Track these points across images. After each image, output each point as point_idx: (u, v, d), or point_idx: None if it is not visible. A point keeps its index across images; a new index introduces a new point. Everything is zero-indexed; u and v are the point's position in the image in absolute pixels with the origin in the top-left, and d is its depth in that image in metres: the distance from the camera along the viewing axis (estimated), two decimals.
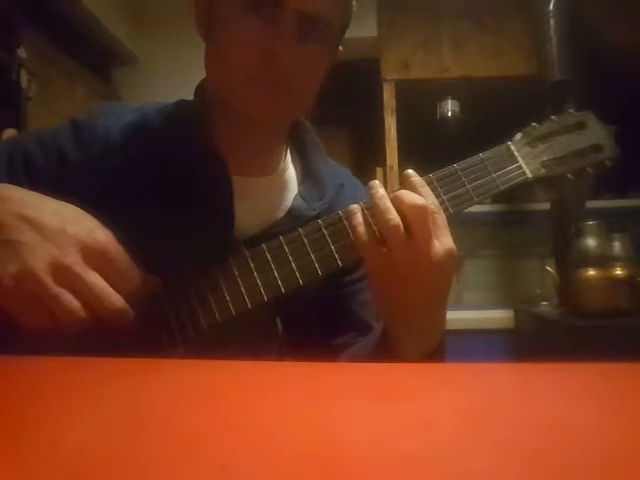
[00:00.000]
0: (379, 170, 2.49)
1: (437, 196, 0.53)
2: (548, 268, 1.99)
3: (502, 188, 0.57)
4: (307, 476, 0.19)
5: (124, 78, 2.67)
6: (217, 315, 0.53)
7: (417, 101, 2.57)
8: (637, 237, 1.75)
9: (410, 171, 0.53)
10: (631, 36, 2.31)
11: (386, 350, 0.56)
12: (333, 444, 0.22)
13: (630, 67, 2.15)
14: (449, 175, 0.56)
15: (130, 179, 0.58)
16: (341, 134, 3.28)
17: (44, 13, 2.00)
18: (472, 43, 2.51)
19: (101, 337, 0.46)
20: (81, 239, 0.45)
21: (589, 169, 0.60)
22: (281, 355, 0.65)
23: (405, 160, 2.43)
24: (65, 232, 0.45)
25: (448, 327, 0.56)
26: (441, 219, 0.50)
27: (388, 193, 0.52)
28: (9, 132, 1.72)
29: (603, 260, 1.66)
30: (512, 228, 2.60)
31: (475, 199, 0.56)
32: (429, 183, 0.53)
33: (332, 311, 0.66)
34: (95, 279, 0.46)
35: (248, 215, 0.60)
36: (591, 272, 1.65)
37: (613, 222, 1.80)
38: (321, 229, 0.54)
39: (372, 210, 0.52)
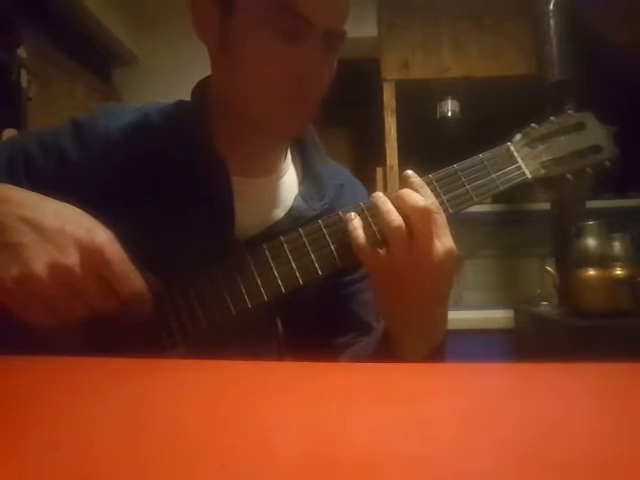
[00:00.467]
0: (379, 170, 2.49)
1: (437, 196, 0.53)
2: (548, 268, 1.99)
3: (502, 188, 0.57)
4: (307, 476, 0.19)
5: (124, 78, 2.67)
6: (217, 315, 0.53)
7: (417, 101, 2.57)
8: (637, 237, 1.75)
9: (409, 172, 0.53)
10: (631, 36, 2.31)
11: (387, 350, 0.56)
12: (333, 444, 0.22)
13: (630, 67, 2.15)
14: (449, 175, 0.56)
15: (130, 179, 0.58)
16: (341, 134, 3.28)
17: (44, 13, 2.00)
18: (472, 43, 2.51)
19: (102, 337, 0.46)
20: (81, 240, 0.45)
21: (588, 170, 0.61)
22: (281, 355, 0.65)
23: (405, 160, 2.44)
24: (65, 233, 0.45)
25: (448, 327, 0.56)
26: (441, 219, 0.50)
27: (388, 194, 0.53)
28: (9, 132, 1.72)
29: (603, 260, 1.66)
30: (512, 228, 2.60)
31: (475, 199, 0.56)
32: (429, 183, 0.53)
33: (332, 311, 0.66)
34: (94, 280, 0.46)
35: (248, 215, 0.60)
36: (591, 272, 1.65)
37: (613, 222, 1.80)
38: (321, 229, 0.54)
39: (372, 211, 0.52)
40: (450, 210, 0.55)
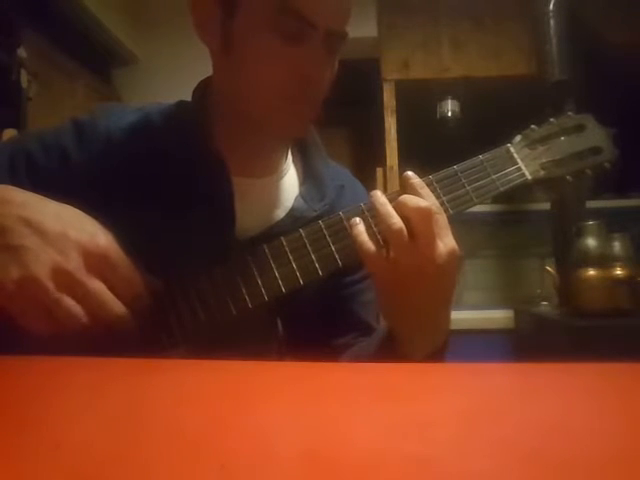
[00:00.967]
0: (379, 170, 2.49)
1: (437, 197, 0.53)
2: (548, 268, 1.99)
3: (502, 189, 0.57)
4: (307, 476, 0.19)
5: (124, 78, 2.67)
6: (217, 315, 0.53)
7: (417, 101, 2.57)
8: (637, 237, 1.75)
9: (410, 173, 0.53)
10: (631, 36, 2.31)
11: (390, 351, 0.56)
12: (333, 444, 0.22)
13: (630, 67, 2.15)
14: (449, 176, 0.56)
15: (131, 179, 0.58)
16: (341, 134, 3.28)
17: (44, 13, 2.00)
18: (472, 43, 2.51)
19: (102, 337, 0.46)
20: (83, 244, 0.45)
21: (588, 171, 0.61)
22: (281, 355, 0.65)
23: (405, 160, 2.43)
24: (67, 237, 0.45)
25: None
26: (442, 220, 0.50)
27: (387, 195, 0.53)
28: (9, 132, 1.72)
29: (603, 260, 1.66)
30: (512, 228, 2.60)
31: (475, 200, 0.56)
32: (429, 184, 0.53)
33: (333, 312, 0.66)
34: (96, 285, 0.46)
35: (248, 216, 0.60)
36: (591, 272, 1.65)
37: (613, 222, 1.80)
38: (322, 229, 0.54)
39: (373, 212, 0.52)
40: (450, 211, 0.55)
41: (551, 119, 0.62)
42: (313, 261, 0.53)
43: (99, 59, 2.53)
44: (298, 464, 0.20)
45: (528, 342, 2.08)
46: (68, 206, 0.49)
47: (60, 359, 0.40)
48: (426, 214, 0.49)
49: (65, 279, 0.44)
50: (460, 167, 0.57)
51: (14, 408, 0.28)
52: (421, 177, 0.54)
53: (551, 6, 2.20)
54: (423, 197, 0.51)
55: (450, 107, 2.59)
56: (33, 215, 0.46)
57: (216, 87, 0.63)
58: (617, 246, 1.68)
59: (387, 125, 2.49)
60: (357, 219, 0.53)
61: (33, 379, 0.35)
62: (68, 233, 0.45)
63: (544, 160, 0.60)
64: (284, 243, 0.54)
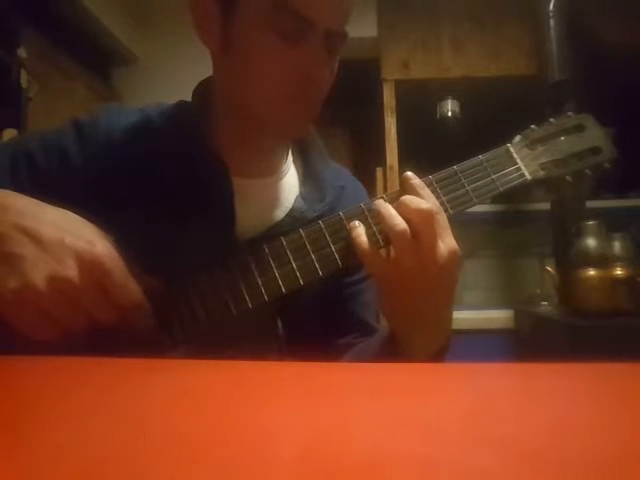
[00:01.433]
0: (379, 170, 2.49)
1: (437, 197, 0.53)
2: (548, 268, 1.99)
3: (501, 189, 0.57)
4: (307, 476, 0.19)
5: (124, 78, 2.67)
6: (218, 315, 0.53)
7: (417, 101, 2.57)
8: (637, 237, 1.75)
9: (409, 173, 0.53)
10: (631, 36, 2.31)
11: (392, 351, 0.56)
12: (333, 444, 0.22)
13: (630, 67, 2.15)
14: (449, 177, 0.56)
15: (131, 179, 0.58)
16: (341, 134, 3.28)
17: (44, 13, 2.00)
18: (472, 43, 2.51)
19: (101, 337, 0.46)
20: (80, 251, 0.45)
21: (587, 171, 0.61)
22: (281, 355, 0.65)
23: (405, 160, 2.43)
24: (64, 244, 0.45)
25: None
26: (443, 220, 0.50)
27: (387, 195, 0.52)
28: (9, 132, 1.72)
29: (603, 260, 1.66)
30: (512, 228, 2.60)
31: (475, 200, 0.56)
32: (429, 184, 0.54)
33: (333, 312, 0.66)
34: (93, 293, 0.45)
35: (249, 216, 0.60)
36: (591, 272, 1.65)
37: (613, 222, 1.80)
38: (322, 230, 0.54)
39: (373, 213, 0.52)
40: (450, 211, 0.55)
41: (551, 119, 0.62)
42: (313, 261, 0.53)
43: (99, 59, 2.52)
44: (298, 464, 0.20)
45: (528, 342, 2.08)
46: (66, 211, 0.48)
47: (60, 359, 0.40)
48: (428, 215, 0.49)
49: (63, 287, 0.44)
50: (460, 167, 0.57)
51: (15, 408, 0.28)
52: (421, 177, 0.54)
53: (551, 6, 2.20)
54: (423, 197, 0.51)
55: (450, 107, 2.59)
56: (30, 223, 0.46)
57: (216, 87, 0.63)
58: (617, 246, 1.68)
59: (387, 125, 2.49)
60: (356, 222, 0.53)
61: (34, 379, 0.35)
62: (65, 240, 0.45)
63: (544, 160, 0.60)
64: (284, 243, 0.54)
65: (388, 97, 2.52)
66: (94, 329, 0.46)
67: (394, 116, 2.50)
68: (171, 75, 2.26)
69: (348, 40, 0.58)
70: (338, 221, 0.54)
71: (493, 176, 0.57)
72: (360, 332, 0.67)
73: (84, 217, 0.49)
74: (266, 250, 0.54)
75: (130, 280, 0.48)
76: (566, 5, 2.20)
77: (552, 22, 2.19)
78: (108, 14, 2.35)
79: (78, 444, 0.23)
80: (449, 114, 2.59)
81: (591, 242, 1.70)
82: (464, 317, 2.30)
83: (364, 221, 0.53)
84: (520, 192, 0.60)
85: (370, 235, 0.52)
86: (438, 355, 0.55)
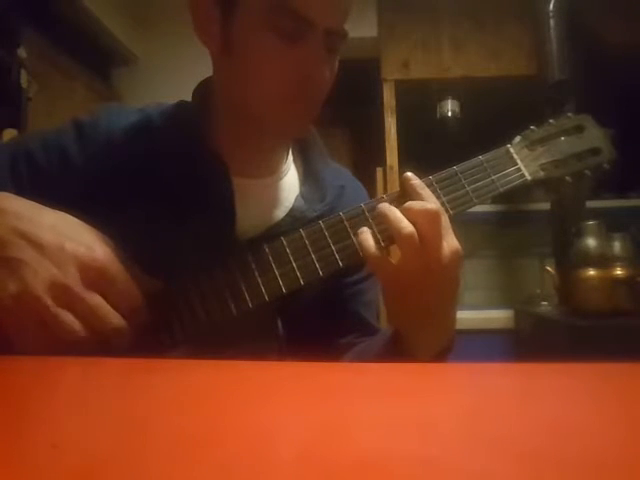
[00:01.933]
0: (379, 170, 2.49)
1: (437, 198, 0.53)
2: (548, 268, 1.99)
3: (501, 190, 0.58)
4: (308, 476, 0.19)
5: (124, 78, 2.67)
6: (218, 315, 0.53)
7: (417, 101, 2.57)
8: (637, 237, 1.75)
9: (409, 174, 0.54)
10: (631, 36, 2.31)
11: (396, 352, 0.56)
12: (334, 444, 0.22)
13: (630, 67, 2.15)
14: (449, 177, 0.56)
15: (131, 179, 0.58)
16: (341, 134, 3.28)
17: (44, 13, 2.00)
18: (472, 43, 2.51)
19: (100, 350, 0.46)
20: (80, 257, 0.45)
21: (587, 172, 0.61)
22: (281, 355, 0.65)
23: (405, 160, 2.43)
24: (64, 250, 0.45)
25: None
26: (445, 220, 0.50)
27: (387, 195, 0.52)
28: (9, 132, 1.72)
29: (603, 260, 1.66)
30: (512, 228, 2.60)
31: (475, 201, 0.57)
32: (429, 185, 0.54)
33: (334, 312, 0.67)
34: (94, 299, 0.45)
35: (249, 216, 0.61)
36: (591, 272, 1.65)
37: (613, 222, 1.80)
38: (322, 230, 0.54)
39: (373, 214, 0.52)
40: (450, 211, 0.55)
41: (550, 120, 0.62)
42: (313, 261, 0.53)
43: (99, 59, 2.53)
44: (298, 464, 0.20)
45: (528, 342, 2.08)
46: (65, 215, 0.48)
47: (60, 359, 0.40)
48: (433, 216, 0.49)
49: (63, 293, 0.44)
50: (460, 167, 0.57)
51: (13, 408, 0.28)
52: (421, 177, 0.54)
53: (551, 6, 2.20)
54: (423, 198, 0.51)
55: (450, 107, 2.59)
56: (28, 226, 0.45)
57: (216, 87, 0.63)
58: (617, 246, 1.68)
59: (387, 125, 2.49)
60: (365, 228, 0.53)
61: (31, 378, 0.35)
62: (65, 246, 0.45)
63: (543, 161, 0.60)
64: (284, 243, 0.54)
65: (388, 97, 2.52)
66: (92, 339, 0.46)
67: (394, 116, 2.50)
68: (171, 75, 2.26)
69: (348, 40, 0.58)
70: (338, 221, 0.54)
71: (493, 176, 0.57)
72: (361, 332, 0.67)
73: (84, 218, 0.49)
74: (266, 250, 0.54)
75: (131, 286, 0.47)
76: (566, 5, 2.20)
77: (552, 22, 2.19)
78: (108, 14, 2.35)
79: (75, 444, 0.23)
80: (449, 114, 2.59)
81: (591, 242, 1.70)
82: (464, 317, 2.30)
83: (365, 221, 0.53)
84: (520, 192, 0.60)
85: (371, 236, 0.52)
86: (442, 355, 0.55)
